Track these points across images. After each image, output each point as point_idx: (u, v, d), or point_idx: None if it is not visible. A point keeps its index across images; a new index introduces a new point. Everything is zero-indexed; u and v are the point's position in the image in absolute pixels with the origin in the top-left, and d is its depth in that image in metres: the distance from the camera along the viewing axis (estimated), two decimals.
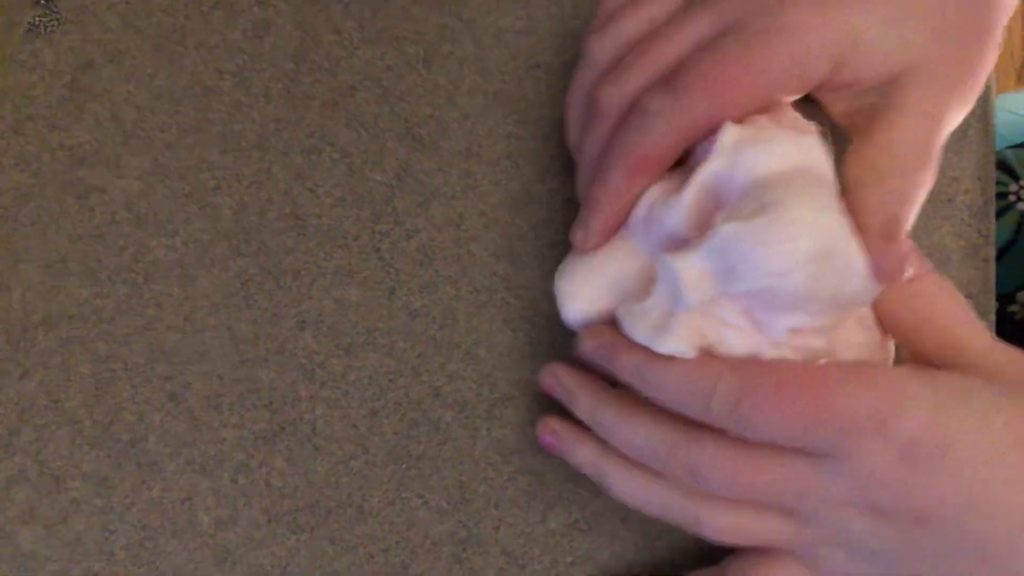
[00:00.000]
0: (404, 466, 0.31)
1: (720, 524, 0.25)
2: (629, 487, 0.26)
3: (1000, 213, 0.55)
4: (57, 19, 0.34)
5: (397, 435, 0.31)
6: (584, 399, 0.27)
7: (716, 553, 0.28)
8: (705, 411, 0.24)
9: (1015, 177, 0.53)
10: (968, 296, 0.31)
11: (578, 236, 0.27)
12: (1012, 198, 0.52)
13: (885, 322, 0.26)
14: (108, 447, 0.31)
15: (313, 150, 0.33)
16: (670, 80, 0.26)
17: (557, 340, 0.32)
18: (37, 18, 0.34)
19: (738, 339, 0.25)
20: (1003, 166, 0.54)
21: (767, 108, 0.26)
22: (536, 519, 0.30)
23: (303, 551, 0.30)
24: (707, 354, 0.25)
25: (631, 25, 0.28)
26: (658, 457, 0.25)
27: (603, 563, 0.30)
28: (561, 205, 0.32)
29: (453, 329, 0.32)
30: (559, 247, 0.32)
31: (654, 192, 0.27)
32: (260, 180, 0.33)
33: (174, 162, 0.33)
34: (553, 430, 0.28)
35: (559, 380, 0.28)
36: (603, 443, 0.27)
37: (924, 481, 0.23)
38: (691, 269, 0.24)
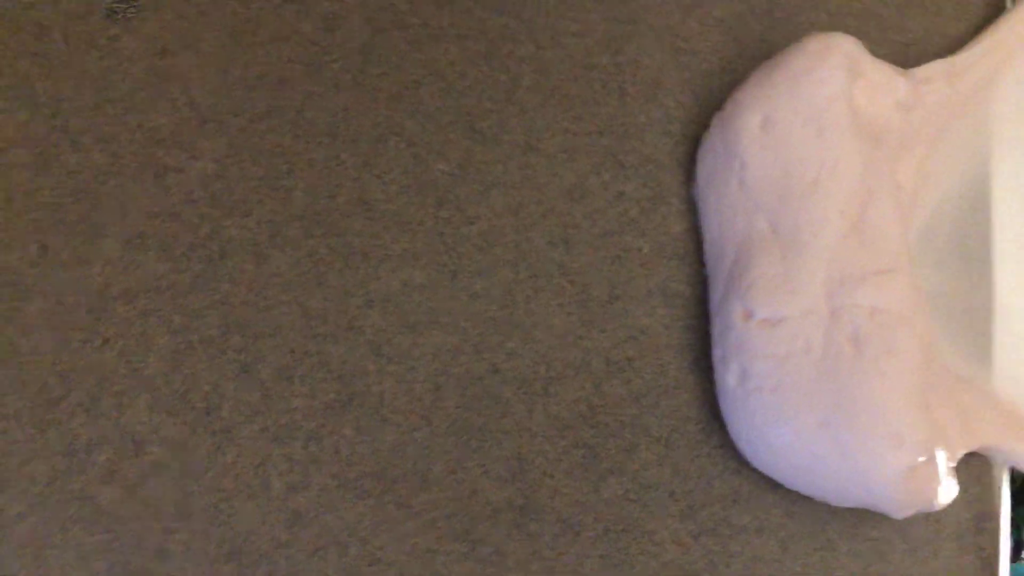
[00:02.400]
0: (466, 437, 0.33)
1: None
2: None
3: None
4: (135, 6, 0.35)
5: (459, 408, 0.33)
6: None
7: (756, 524, 0.30)
8: None
9: None
10: None
11: None
12: None
13: None
14: (185, 414, 0.32)
15: (380, 139, 0.35)
16: None
17: (608, 323, 0.34)
18: (116, 4, 0.35)
19: None
20: None
21: None
22: (589, 489, 0.32)
23: (370, 515, 0.32)
24: None
25: None
26: None
27: (650, 530, 0.32)
28: (614, 197, 0.35)
29: (512, 310, 0.34)
30: (611, 236, 0.34)
31: None
32: (330, 166, 0.34)
33: (248, 146, 0.34)
34: None
35: None
36: None
37: None
38: None
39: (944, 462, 0.29)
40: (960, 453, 0.31)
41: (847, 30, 0.36)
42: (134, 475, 0.32)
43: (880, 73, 0.33)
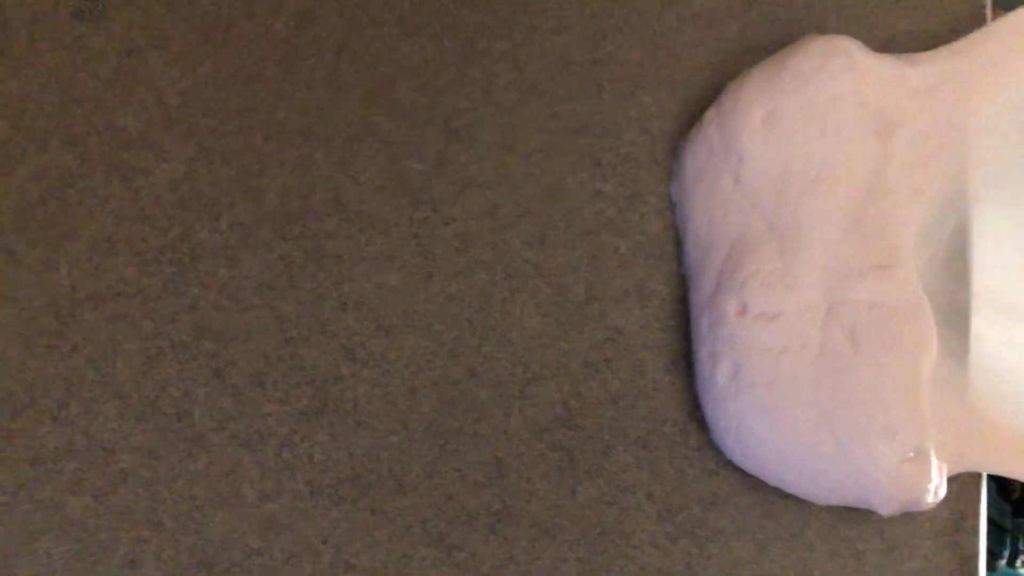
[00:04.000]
0: (442, 441, 0.32)
1: None
2: None
3: None
4: (102, 5, 0.35)
5: (435, 412, 0.32)
6: None
7: (734, 526, 0.30)
8: None
9: None
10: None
11: None
12: None
13: None
14: (155, 421, 0.32)
15: (354, 138, 0.34)
16: None
17: (585, 324, 0.33)
18: (83, 4, 0.35)
19: None
20: None
21: None
22: (566, 492, 0.32)
23: (345, 522, 0.31)
24: None
25: None
26: None
27: (628, 533, 0.32)
28: (591, 196, 0.34)
29: (487, 313, 0.33)
30: (588, 236, 0.34)
31: None
32: (303, 166, 0.34)
33: (218, 147, 0.34)
34: None
35: None
36: None
37: None
38: None
39: (936, 462, 0.29)
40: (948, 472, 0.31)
41: (827, 26, 0.35)
42: (103, 483, 0.31)
43: (885, 67, 0.33)
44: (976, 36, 0.34)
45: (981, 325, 0.33)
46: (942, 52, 0.34)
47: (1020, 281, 0.34)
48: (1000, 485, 0.81)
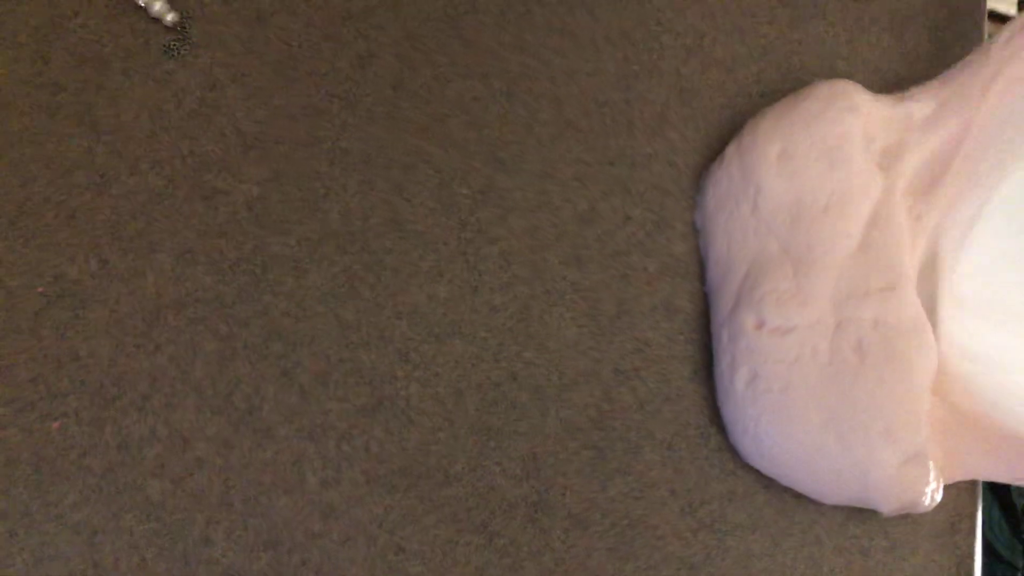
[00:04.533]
0: (484, 438, 0.36)
1: None
2: None
3: None
4: (189, 44, 0.39)
5: (479, 411, 0.36)
6: None
7: (750, 521, 0.33)
8: None
9: None
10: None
11: None
12: None
13: None
14: (228, 414, 0.35)
15: (410, 166, 0.38)
16: None
17: (616, 336, 0.37)
18: (172, 42, 0.39)
19: None
20: None
21: None
22: (597, 487, 0.35)
23: (397, 509, 0.35)
24: None
25: None
26: None
27: (653, 525, 0.35)
28: (622, 221, 0.38)
29: (528, 323, 0.37)
30: (619, 256, 0.38)
31: None
32: (364, 190, 0.38)
33: (289, 171, 0.38)
34: None
35: None
36: None
37: None
38: None
39: (933, 466, 0.32)
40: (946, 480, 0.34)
41: (836, 69, 0.39)
42: (181, 469, 0.35)
43: (885, 106, 0.36)
44: (969, 59, 0.37)
45: (952, 326, 0.36)
46: (935, 84, 0.37)
47: (988, 283, 0.37)
48: (1013, 524, 0.82)
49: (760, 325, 0.34)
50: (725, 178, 0.37)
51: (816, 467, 0.33)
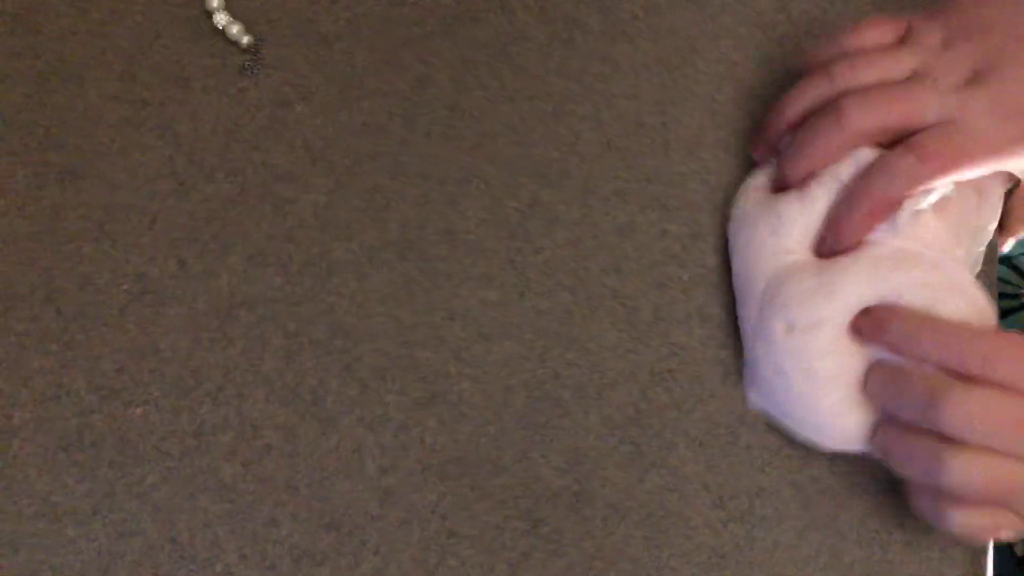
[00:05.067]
0: (530, 432, 0.38)
1: (968, 474, 0.30)
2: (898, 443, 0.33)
3: (1007, 313, 0.58)
4: (261, 64, 0.42)
5: (525, 407, 0.39)
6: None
7: (776, 514, 0.35)
8: (960, 365, 0.31)
9: None
10: None
11: (825, 246, 0.36)
12: None
13: None
14: (295, 404, 0.38)
15: (463, 181, 0.41)
16: (916, 146, 0.34)
17: (653, 340, 0.40)
18: (246, 63, 0.42)
19: None
20: (1016, 268, 0.57)
21: None
22: (635, 480, 0.38)
23: (449, 496, 0.38)
24: None
25: (881, 62, 0.36)
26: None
27: (687, 517, 0.38)
28: (659, 234, 0.41)
29: (571, 327, 0.40)
30: (656, 267, 0.41)
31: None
32: (420, 202, 0.41)
33: (352, 183, 0.41)
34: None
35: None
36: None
37: None
38: None
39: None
40: None
41: None
42: (251, 455, 0.38)
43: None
44: None
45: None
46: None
47: None
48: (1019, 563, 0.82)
49: (790, 329, 0.36)
50: (751, 199, 0.40)
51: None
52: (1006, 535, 0.32)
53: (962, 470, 0.30)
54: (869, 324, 0.34)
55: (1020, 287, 0.56)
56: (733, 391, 0.39)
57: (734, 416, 0.39)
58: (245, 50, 0.42)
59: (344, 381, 0.39)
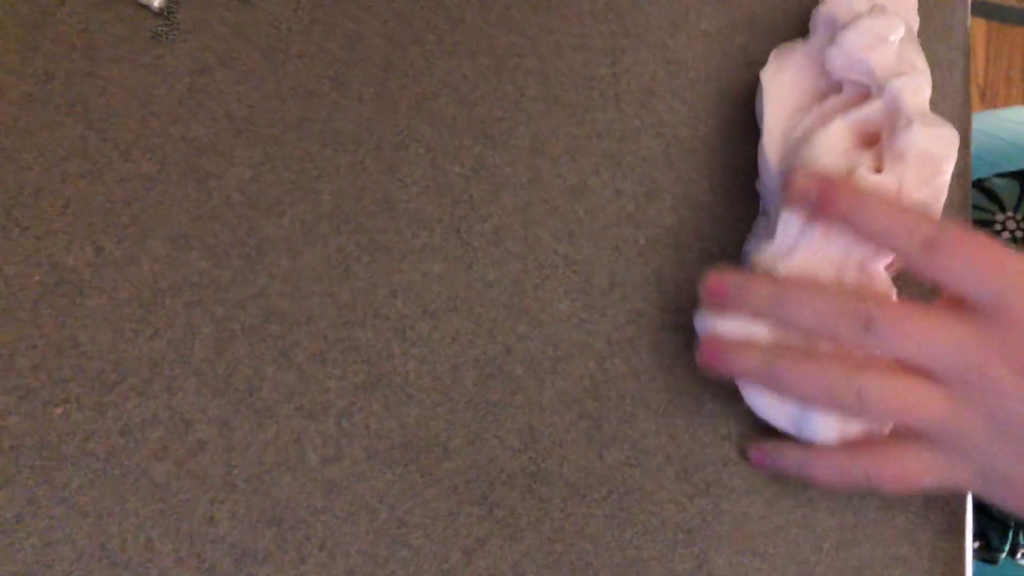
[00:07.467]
0: (482, 412, 0.36)
1: (883, 392, 0.28)
2: (797, 373, 0.30)
3: None
4: (176, 28, 0.39)
5: (476, 386, 0.36)
6: (758, 286, 0.31)
7: (744, 485, 0.33)
8: (905, 246, 0.28)
9: (1002, 207, 0.53)
10: None
11: None
12: (998, 227, 0.52)
13: None
14: (228, 396, 0.36)
15: (401, 145, 0.38)
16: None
17: (609, 308, 0.37)
18: (159, 28, 0.39)
19: None
20: (990, 194, 0.54)
21: None
22: (594, 456, 0.36)
23: (398, 484, 0.35)
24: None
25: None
26: (830, 319, 0.29)
27: (650, 492, 0.36)
28: (612, 194, 0.38)
29: (521, 298, 0.37)
30: (610, 229, 0.38)
31: None
32: (355, 171, 0.38)
33: (280, 153, 0.38)
34: (723, 344, 0.32)
35: (726, 281, 0.32)
36: (769, 346, 0.31)
37: None
38: None
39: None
40: None
41: None
42: (183, 451, 0.35)
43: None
44: None
45: None
46: None
47: None
48: None
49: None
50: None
51: None
52: (927, 480, 0.31)
53: (881, 389, 0.28)
54: (817, 192, 0.31)
55: (992, 211, 0.54)
56: (695, 358, 0.37)
57: (697, 384, 0.37)
58: (157, 14, 0.39)
59: (280, 368, 0.36)
